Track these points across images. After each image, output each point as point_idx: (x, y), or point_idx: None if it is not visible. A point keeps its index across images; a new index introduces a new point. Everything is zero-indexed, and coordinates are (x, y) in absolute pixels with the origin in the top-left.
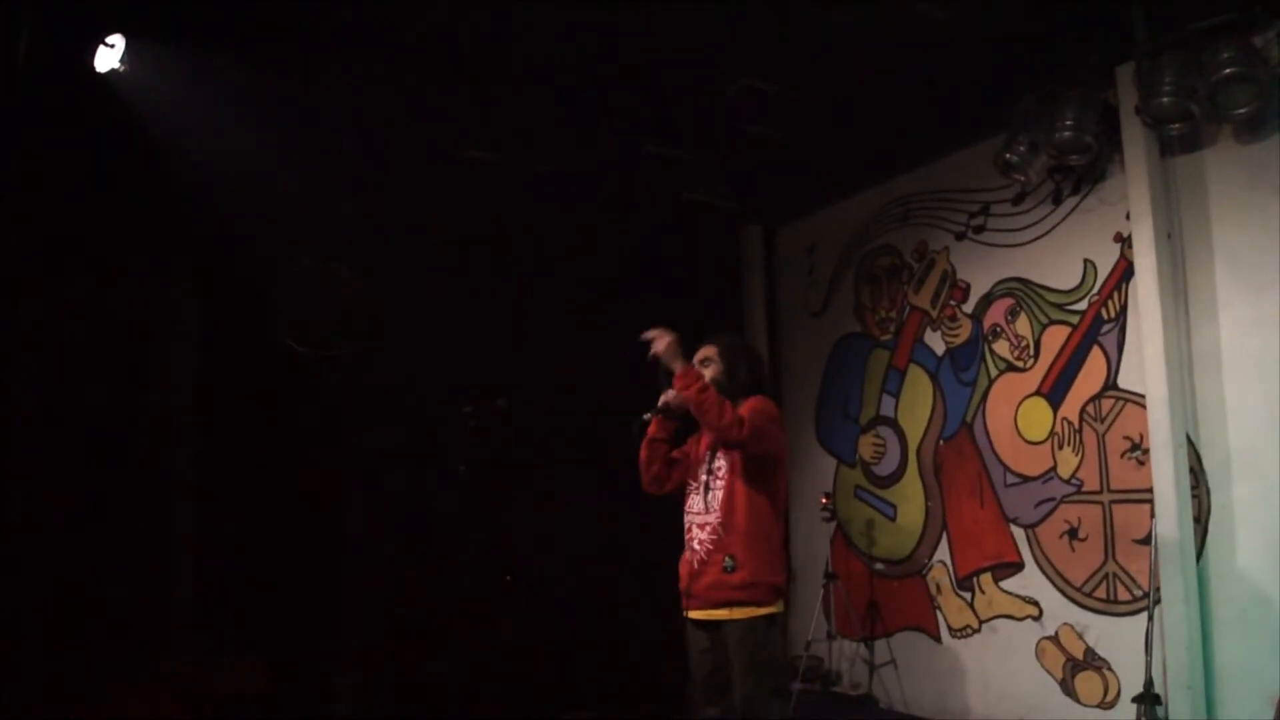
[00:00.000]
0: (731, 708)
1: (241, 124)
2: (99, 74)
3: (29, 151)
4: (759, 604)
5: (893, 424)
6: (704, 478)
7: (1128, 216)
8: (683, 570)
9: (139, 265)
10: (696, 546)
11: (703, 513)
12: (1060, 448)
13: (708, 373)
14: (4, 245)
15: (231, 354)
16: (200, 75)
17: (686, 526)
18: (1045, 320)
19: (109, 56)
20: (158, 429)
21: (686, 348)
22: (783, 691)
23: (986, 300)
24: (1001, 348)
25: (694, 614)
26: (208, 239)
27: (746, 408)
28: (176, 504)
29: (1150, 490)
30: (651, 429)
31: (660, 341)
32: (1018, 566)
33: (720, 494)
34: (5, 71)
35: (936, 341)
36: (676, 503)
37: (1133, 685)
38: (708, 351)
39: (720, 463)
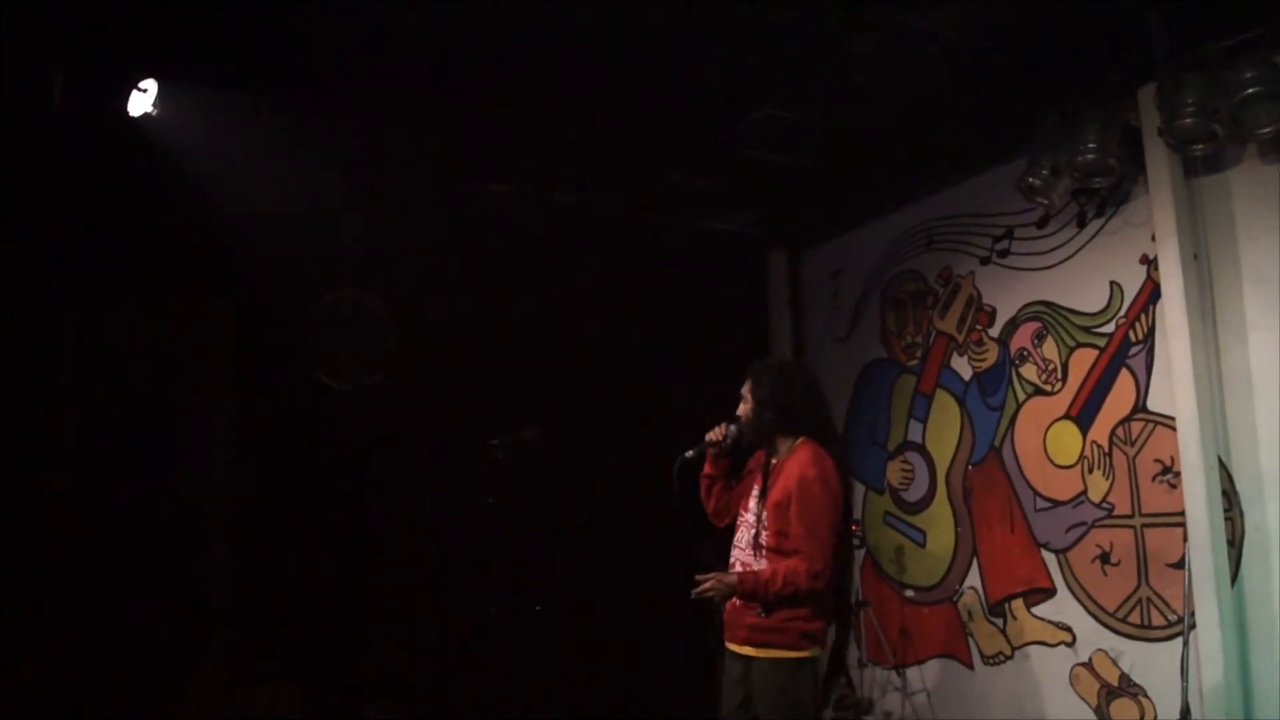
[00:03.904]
0: None
1: (273, 161)
2: (132, 118)
3: (68, 192)
4: (789, 648)
5: (921, 449)
6: (752, 519)
7: (1153, 238)
8: (728, 604)
9: (176, 300)
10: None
11: (748, 551)
12: (1090, 471)
13: (743, 409)
14: (45, 281)
15: (265, 386)
16: (231, 116)
17: (731, 561)
18: (1072, 343)
19: (142, 101)
20: (193, 459)
21: (715, 378)
22: None
23: (1013, 324)
24: (1029, 371)
25: (730, 645)
26: (242, 274)
27: (793, 523)
28: (210, 532)
29: (1182, 514)
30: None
31: (712, 591)
32: (1050, 592)
33: (759, 546)
34: (42, 116)
35: (963, 366)
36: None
37: (1169, 712)
38: (745, 386)
39: (764, 514)
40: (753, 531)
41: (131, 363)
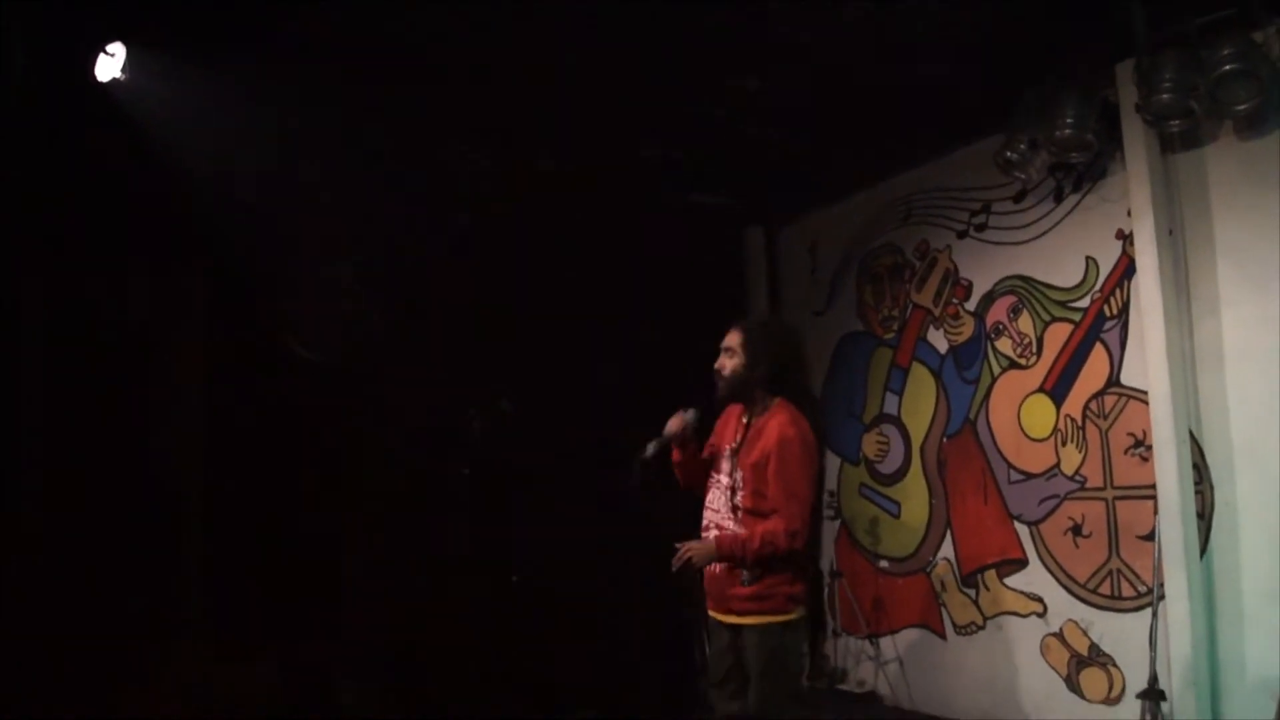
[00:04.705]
0: (747, 707)
1: (244, 129)
2: (100, 83)
3: (32, 158)
4: (775, 613)
5: (896, 422)
6: (726, 480)
7: (1129, 213)
8: (708, 571)
9: (145, 270)
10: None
11: (722, 513)
12: (1063, 444)
13: (730, 364)
14: (11, 251)
15: (237, 359)
16: (201, 81)
17: (705, 524)
18: (1048, 318)
19: (110, 65)
20: (164, 433)
21: (691, 352)
22: (800, 694)
23: (989, 298)
24: (1004, 345)
25: (714, 614)
26: (213, 244)
27: (771, 483)
28: (183, 507)
29: (1154, 486)
30: (675, 454)
31: (693, 557)
32: (1022, 563)
33: (736, 508)
34: (3, 80)
35: (939, 339)
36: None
37: (1137, 682)
38: (731, 340)
39: (736, 474)
40: (728, 493)
41: (101, 333)
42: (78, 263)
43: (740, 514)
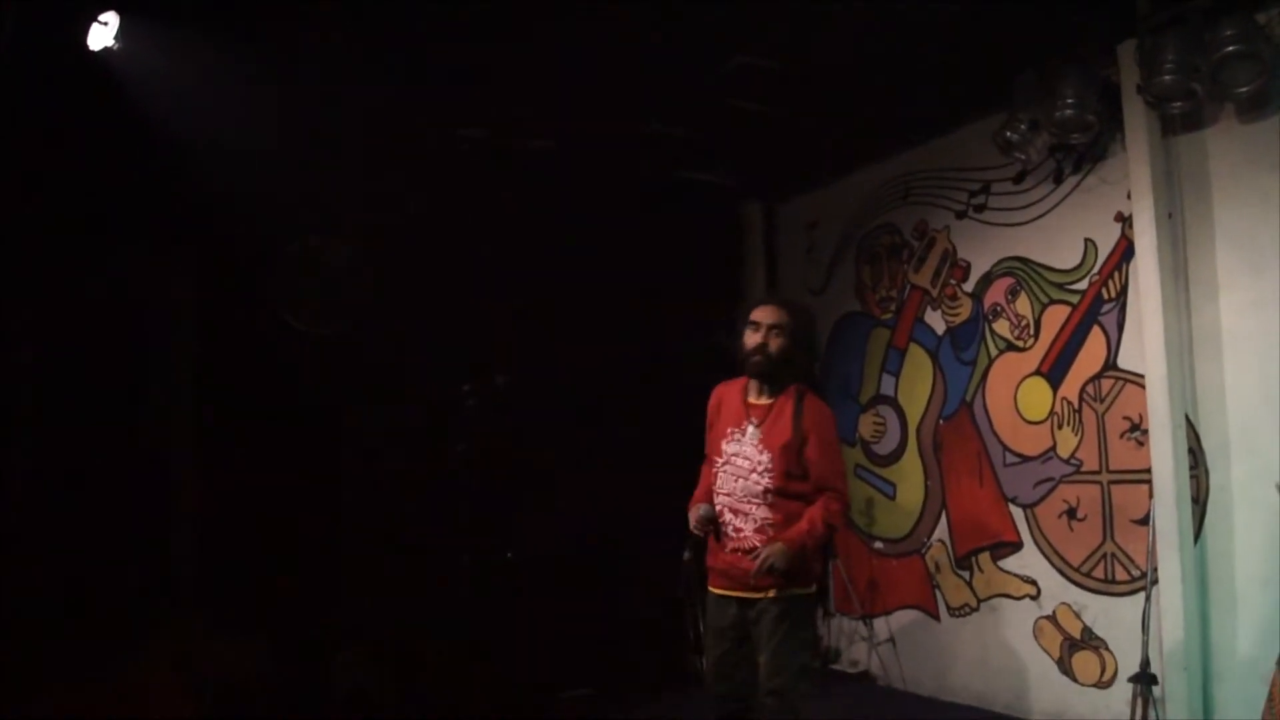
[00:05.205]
0: (743, 685)
1: (238, 101)
2: (93, 52)
3: (21, 130)
4: (795, 585)
5: (893, 403)
6: (745, 463)
7: (1129, 196)
8: (714, 549)
9: (136, 243)
10: (733, 534)
11: (742, 497)
12: (1060, 427)
13: (774, 343)
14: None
15: (229, 331)
16: (195, 53)
17: (719, 509)
18: (1045, 300)
19: (103, 34)
20: (156, 408)
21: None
22: (809, 670)
23: (987, 279)
24: (1002, 327)
25: (722, 590)
26: (207, 215)
27: (817, 462)
28: (176, 483)
29: (1149, 471)
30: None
31: (775, 563)
32: (1016, 546)
33: (772, 491)
34: None
35: (937, 321)
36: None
37: (1129, 665)
38: (775, 317)
39: (762, 455)
40: (748, 476)
41: (93, 307)
42: (68, 235)
43: (771, 497)
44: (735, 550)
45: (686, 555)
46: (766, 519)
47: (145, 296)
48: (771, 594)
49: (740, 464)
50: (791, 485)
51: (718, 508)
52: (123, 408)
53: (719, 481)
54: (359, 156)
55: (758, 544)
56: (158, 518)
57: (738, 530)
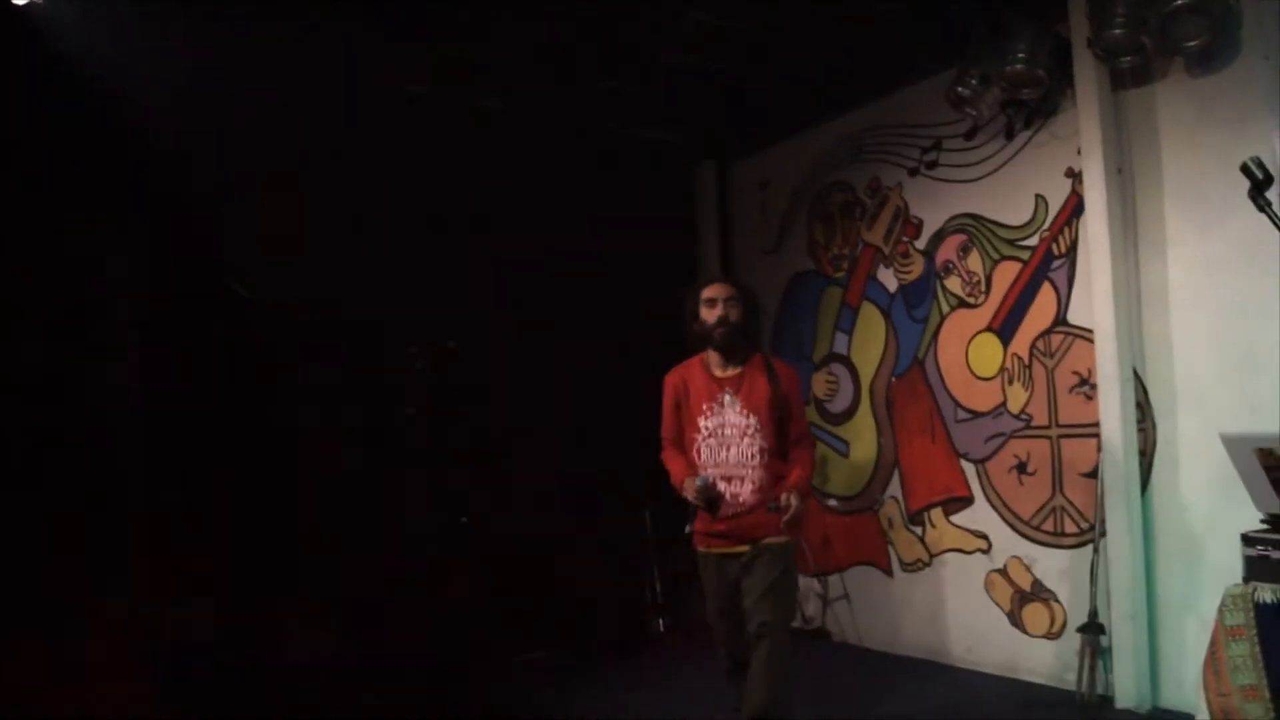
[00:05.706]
0: (759, 625)
1: (180, 61)
2: (15, 5)
3: None
4: (790, 533)
5: (846, 361)
6: (733, 431)
7: (1079, 151)
8: (706, 516)
9: (72, 210)
10: (730, 499)
11: (738, 463)
12: (1010, 383)
13: (733, 313)
14: None
15: (175, 299)
16: (131, 9)
17: (711, 480)
18: (996, 256)
19: None
20: (103, 377)
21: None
22: (792, 613)
23: (939, 237)
24: (953, 284)
25: (723, 549)
26: (144, 180)
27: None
28: (125, 450)
29: (1097, 425)
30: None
31: (796, 513)
32: (967, 501)
33: (762, 450)
34: None
35: (889, 278)
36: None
37: (1078, 616)
38: (726, 292)
39: (750, 420)
40: (741, 440)
41: (36, 272)
42: (8, 202)
43: (766, 457)
44: (735, 516)
45: (688, 529)
46: (763, 479)
47: (87, 262)
48: (772, 539)
49: (728, 433)
50: (780, 443)
51: (710, 479)
52: (69, 376)
53: (704, 455)
54: (305, 117)
55: (755, 502)
56: (107, 484)
57: (735, 495)
